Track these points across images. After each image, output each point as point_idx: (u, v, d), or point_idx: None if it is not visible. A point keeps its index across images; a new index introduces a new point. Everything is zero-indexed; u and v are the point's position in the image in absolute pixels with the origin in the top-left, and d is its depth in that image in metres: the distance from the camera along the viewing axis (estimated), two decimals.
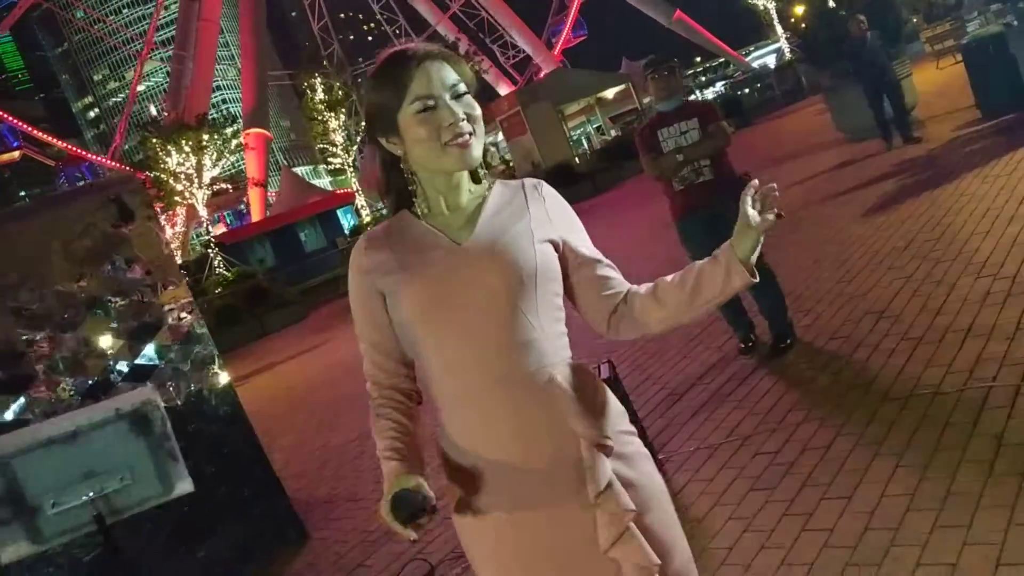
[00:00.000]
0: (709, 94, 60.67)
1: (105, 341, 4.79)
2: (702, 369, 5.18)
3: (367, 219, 37.74)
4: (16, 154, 55.25)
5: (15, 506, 2.34)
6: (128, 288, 4.86)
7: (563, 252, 1.64)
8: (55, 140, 58.35)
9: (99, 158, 55.41)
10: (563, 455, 1.52)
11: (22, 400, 4.52)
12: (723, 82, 64.29)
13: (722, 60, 74.75)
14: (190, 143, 30.16)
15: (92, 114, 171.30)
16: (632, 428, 1.66)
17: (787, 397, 4.25)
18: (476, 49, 42.84)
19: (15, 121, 53.46)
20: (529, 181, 1.71)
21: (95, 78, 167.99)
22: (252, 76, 49.13)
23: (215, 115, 41.90)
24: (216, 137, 31.40)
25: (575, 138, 42.04)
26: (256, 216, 42.00)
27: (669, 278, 1.61)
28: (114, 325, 4.81)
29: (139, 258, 4.85)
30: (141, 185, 5.01)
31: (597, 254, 1.68)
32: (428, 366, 1.59)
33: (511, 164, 34.69)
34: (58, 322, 4.68)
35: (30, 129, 55.02)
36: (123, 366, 4.78)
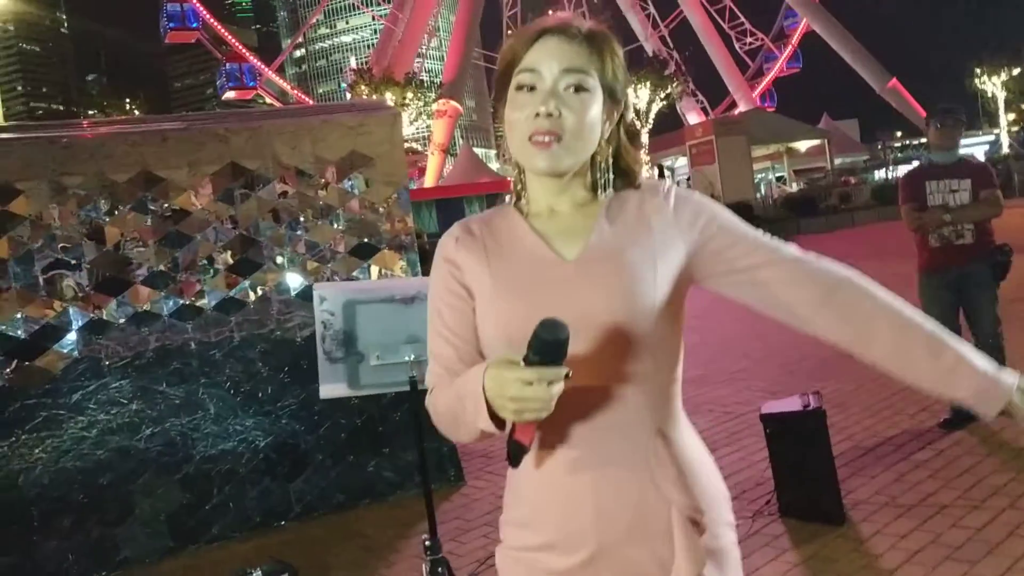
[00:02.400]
0: (903, 170, 58.08)
1: (326, 248, 5.06)
2: (892, 430, 4.98)
3: None
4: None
5: (347, 348, 2.53)
6: (358, 205, 5.11)
7: (702, 266, 1.34)
8: (281, 80, 61.72)
9: (260, 64, 57.96)
10: (646, 526, 1.27)
11: (246, 282, 4.85)
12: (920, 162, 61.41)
13: (925, 140, 71.36)
14: (395, 97, 31.48)
15: (298, 53, 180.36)
16: (732, 520, 1.40)
17: (992, 478, 4.04)
18: (684, 70, 42.45)
19: (259, 65, 56.71)
20: (650, 184, 1.39)
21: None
22: (460, 49, 50.61)
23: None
24: (418, 97, 32.64)
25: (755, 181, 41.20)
26: (430, 182, 43.25)
27: (910, 318, 1.30)
28: (338, 236, 5.08)
29: (378, 182, 5.09)
30: (397, 116, 5.24)
31: (759, 248, 1.34)
32: None
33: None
34: (292, 220, 4.98)
35: (264, 69, 58.23)
36: (337, 276, 5.03)
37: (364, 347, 2.51)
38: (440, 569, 2.73)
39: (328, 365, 2.63)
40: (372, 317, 2.49)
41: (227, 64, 55.29)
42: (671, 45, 61.85)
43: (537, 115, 1.27)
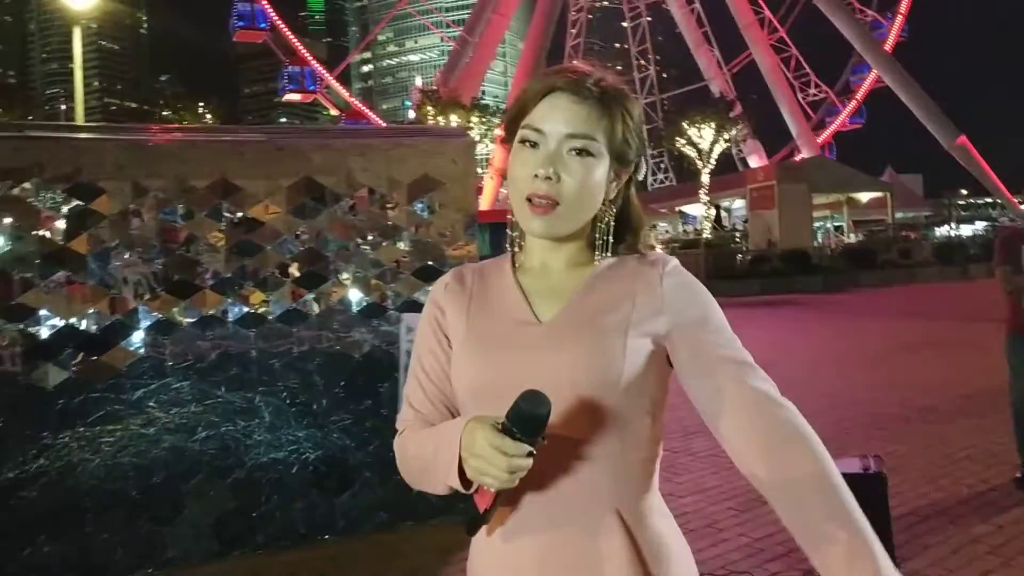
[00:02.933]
0: (966, 230, 56.98)
1: (391, 268, 5.11)
2: (950, 500, 4.85)
3: None
4: (299, 97, 59.78)
5: None
6: (426, 228, 5.16)
7: (675, 352, 1.26)
8: (345, 92, 62.75)
9: (322, 70, 58.82)
10: None
11: (310, 296, 4.92)
12: (985, 223, 60.22)
13: (991, 200, 69.91)
14: (459, 120, 31.93)
15: (365, 68, 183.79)
16: None
17: None
18: (746, 115, 42.26)
19: (321, 71, 57.78)
20: (654, 257, 1.33)
21: (379, 37, 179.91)
22: (525, 76, 51.00)
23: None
24: (483, 122, 33.06)
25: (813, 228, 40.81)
26: (485, 205, 43.60)
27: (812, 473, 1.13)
28: (403, 257, 5.14)
29: (447, 207, 5.14)
30: (471, 145, 5.30)
31: (727, 356, 1.24)
32: None
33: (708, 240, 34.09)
34: (360, 238, 5.05)
35: (329, 78, 59.25)
36: (399, 298, 5.08)
37: None
38: None
39: None
40: None
41: (289, 67, 56.45)
42: (733, 87, 61.69)
43: (536, 176, 1.23)
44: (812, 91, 67.44)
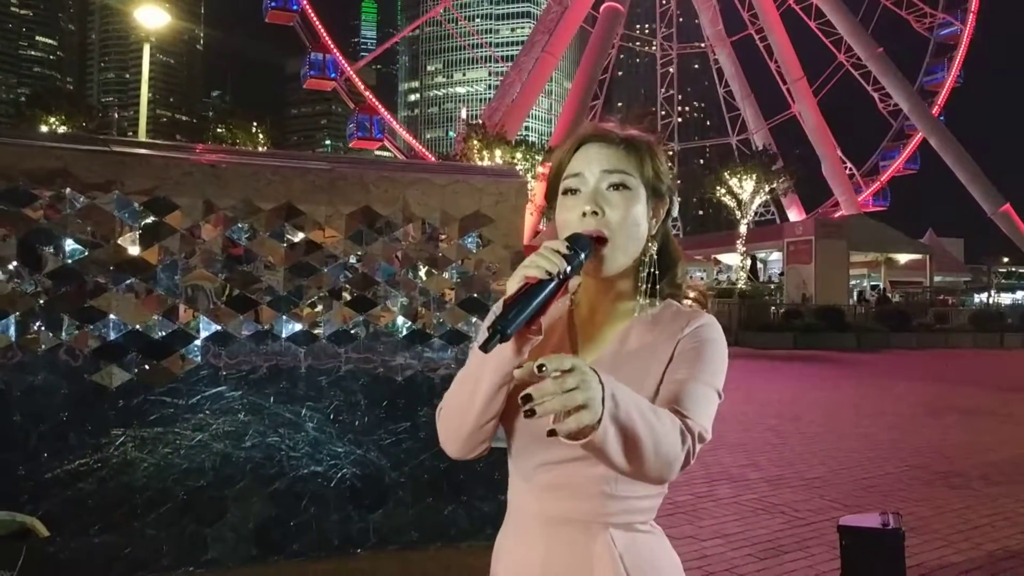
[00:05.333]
0: (1005, 298, 56.24)
1: (437, 298, 5.35)
2: (968, 564, 4.94)
3: None
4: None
5: None
6: (473, 263, 5.40)
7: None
8: (407, 133, 63.86)
9: (424, 150, 60.07)
10: None
11: (360, 318, 5.16)
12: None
13: None
14: (503, 156, 32.51)
15: (412, 97, 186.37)
16: None
17: None
18: (785, 166, 42.33)
19: (389, 118, 58.88)
20: (689, 311, 1.44)
21: (428, 68, 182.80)
22: (571, 116, 51.67)
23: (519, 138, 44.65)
24: (527, 159, 33.62)
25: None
26: (524, 240, 44.05)
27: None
28: (450, 288, 5.37)
29: (495, 243, 5.38)
30: (524, 185, 5.55)
31: (681, 382, 1.34)
32: (510, 470, 1.49)
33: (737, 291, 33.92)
34: (410, 267, 5.30)
35: (393, 122, 60.38)
36: (443, 327, 5.30)
37: None
38: None
39: None
40: None
41: (359, 115, 57.63)
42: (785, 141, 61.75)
43: (584, 215, 1.36)
44: (892, 102, 66.72)
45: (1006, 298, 56.89)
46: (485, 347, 1.20)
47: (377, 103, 58.09)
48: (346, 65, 56.14)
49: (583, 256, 1.29)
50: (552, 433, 1.10)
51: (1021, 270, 71.61)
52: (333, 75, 56.42)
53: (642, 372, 1.36)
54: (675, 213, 1.50)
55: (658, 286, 1.44)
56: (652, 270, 1.43)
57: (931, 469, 7.59)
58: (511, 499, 1.49)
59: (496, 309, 1.36)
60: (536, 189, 47.01)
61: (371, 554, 4.85)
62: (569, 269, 1.26)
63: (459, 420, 1.40)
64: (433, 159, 47.69)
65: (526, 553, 1.41)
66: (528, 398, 1.07)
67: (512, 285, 1.25)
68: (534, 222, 44.74)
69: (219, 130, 51.84)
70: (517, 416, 1.36)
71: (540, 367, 1.07)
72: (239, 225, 4.94)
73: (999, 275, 63.18)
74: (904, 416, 11.38)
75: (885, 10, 65.04)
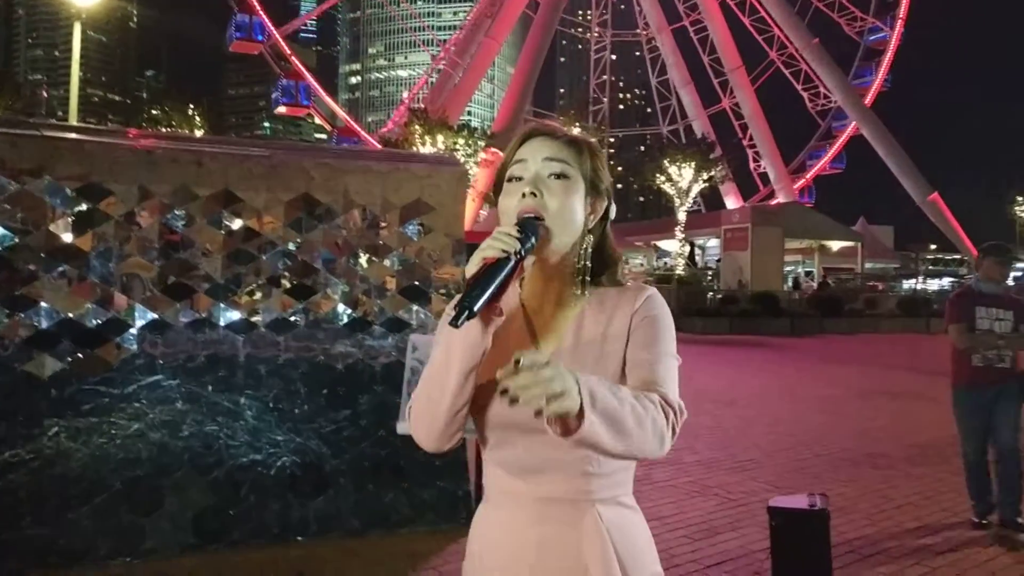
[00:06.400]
0: (932, 284, 58.07)
1: (378, 285, 5.35)
2: (890, 542, 5.14)
3: None
4: (303, 111, 59.88)
5: None
6: (414, 250, 5.41)
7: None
8: (338, 108, 62.80)
9: (366, 135, 59.24)
10: None
11: (299, 306, 5.14)
12: (951, 279, 61.43)
13: (959, 257, 71.34)
14: (445, 141, 32.36)
15: (353, 80, 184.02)
16: None
17: None
18: (723, 155, 43.00)
19: (316, 87, 57.74)
20: (633, 287, 1.54)
21: (369, 51, 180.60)
22: (514, 101, 51.65)
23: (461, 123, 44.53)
24: (468, 144, 33.51)
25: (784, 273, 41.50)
26: (465, 226, 43.97)
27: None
28: (391, 276, 5.39)
29: (436, 231, 5.40)
30: (464, 174, 5.58)
31: (647, 362, 1.46)
32: (484, 457, 1.56)
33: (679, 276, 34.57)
34: (351, 254, 5.29)
35: (323, 93, 59.38)
36: (384, 315, 5.32)
37: None
38: None
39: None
40: None
41: (284, 80, 56.50)
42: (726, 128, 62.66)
43: (523, 196, 1.45)
44: (821, 101, 68.43)
45: (933, 284, 58.68)
46: (455, 322, 1.27)
47: (303, 69, 56.93)
48: (273, 29, 54.87)
49: (533, 239, 1.38)
50: (539, 414, 1.18)
51: (948, 257, 73.98)
52: (260, 38, 55.06)
53: (604, 355, 1.46)
54: (612, 216, 1.57)
55: (597, 276, 1.54)
56: (586, 263, 1.50)
57: (858, 451, 7.86)
58: (491, 484, 1.54)
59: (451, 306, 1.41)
60: (478, 175, 47.10)
61: (311, 542, 4.87)
62: (523, 250, 1.35)
63: (432, 413, 1.45)
64: (376, 143, 47.24)
65: (515, 533, 1.48)
66: (506, 391, 1.16)
67: (472, 267, 1.33)
68: (475, 208, 44.68)
69: (154, 111, 50.53)
70: (490, 408, 1.45)
71: (517, 362, 1.15)
72: (176, 212, 4.89)
73: (927, 262, 65.14)
74: (835, 400, 11.72)
75: (818, 12, 66.39)
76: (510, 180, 1.50)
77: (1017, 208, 56.96)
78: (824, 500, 4.14)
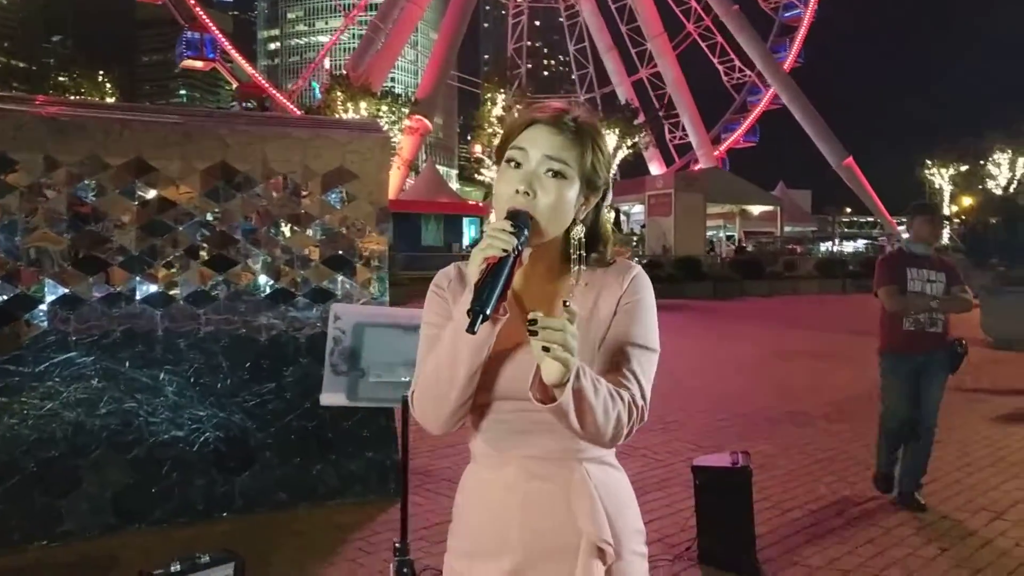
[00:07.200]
0: (848, 247, 59.95)
1: (301, 255, 5.25)
2: (809, 496, 5.32)
3: None
4: (208, 65, 58.16)
5: (352, 364, 2.76)
6: (338, 218, 5.32)
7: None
8: (245, 63, 61.13)
9: (275, 93, 57.81)
10: (563, 547, 1.49)
11: (219, 278, 5.01)
12: (865, 241, 63.50)
13: (872, 219, 73.75)
14: (368, 108, 31.79)
15: (272, 47, 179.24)
16: (644, 551, 1.62)
17: (892, 551, 4.39)
18: (646, 121, 43.41)
19: (222, 40, 56.10)
20: (621, 266, 1.60)
21: (288, 16, 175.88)
22: (437, 67, 51.07)
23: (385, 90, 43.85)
24: (392, 111, 33.01)
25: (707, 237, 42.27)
26: (390, 195, 43.32)
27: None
28: (314, 245, 5.28)
29: (359, 199, 5.31)
30: (387, 140, 5.48)
31: (627, 353, 1.52)
32: (471, 422, 1.59)
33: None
34: (271, 224, 5.17)
35: (230, 48, 57.74)
36: (307, 285, 5.22)
37: (366, 364, 2.77)
38: (405, 570, 2.95)
39: (332, 376, 2.88)
40: (378, 339, 2.75)
41: (188, 32, 54.83)
42: (645, 96, 63.15)
43: (516, 192, 1.47)
44: (736, 75, 69.86)
45: (848, 246, 60.57)
46: (472, 329, 1.32)
47: (208, 20, 55.30)
48: None
49: (526, 232, 1.42)
50: (535, 333, 1.28)
51: (862, 220, 76.36)
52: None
53: (588, 337, 1.50)
54: (608, 202, 1.63)
55: (587, 257, 1.58)
56: (581, 252, 1.55)
57: (779, 409, 8.10)
58: (478, 447, 1.59)
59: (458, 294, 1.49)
60: (402, 142, 46.54)
61: (238, 517, 4.79)
62: (520, 245, 1.39)
63: (440, 402, 1.50)
64: (286, 100, 46.10)
65: (503, 490, 1.53)
66: (534, 322, 1.28)
67: (473, 268, 1.38)
68: (401, 177, 44.22)
69: (61, 78, 48.36)
70: (486, 375, 1.49)
71: (564, 304, 1.33)
72: (85, 182, 4.69)
73: (842, 224, 67.23)
74: (756, 360, 12.04)
75: None
76: (508, 162, 1.51)
77: (927, 171, 58.98)
78: (746, 458, 4.26)
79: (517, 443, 1.52)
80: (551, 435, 1.48)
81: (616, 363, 1.50)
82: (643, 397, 1.51)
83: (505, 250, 1.36)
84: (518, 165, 1.50)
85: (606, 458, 1.58)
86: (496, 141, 1.63)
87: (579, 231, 1.55)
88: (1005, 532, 4.69)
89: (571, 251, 1.55)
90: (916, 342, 5.12)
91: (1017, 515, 4.98)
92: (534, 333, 1.28)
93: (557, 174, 1.48)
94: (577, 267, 1.54)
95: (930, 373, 5.14)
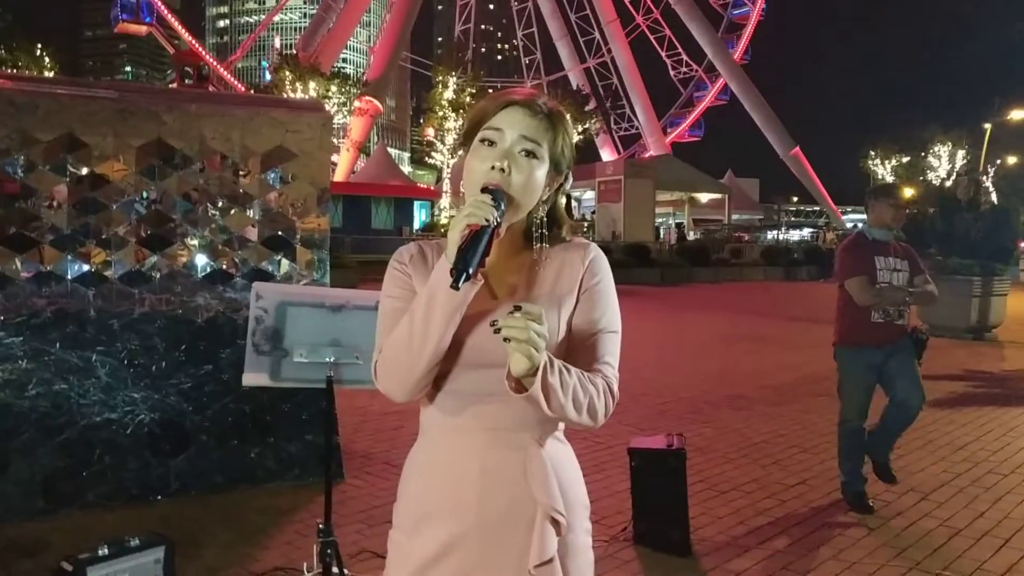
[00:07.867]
0: (794, 235, 60.99)
1: (239, 236, 5.17)
2: (743, 478, 5.43)
3: (444, 221, 38.66)
4: (144, 29, 56.81)
5: (274, 343, 2.71)
6: (278, 199, 5.24)
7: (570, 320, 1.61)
8: (184, 31, 59.89)
9: (215, 63, 56.63)
10: (516, 517, 1.54)
11: (155, 257, 4.91)
12: (811, 229, 64.69)
13: (818, 209, 75.10)
14: (318, 88, 31.37)
15: (221, 24, 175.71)
16: (589, 527, 1.70)
17: (822, 531, 4.50)
18: (596, 107, 43.57)
19: (158, 3, 54.88)
20: (578, 243, 1.68)
21: None
22: (389, 49, 50.56)
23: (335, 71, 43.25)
24: (342, 91, 32.63)
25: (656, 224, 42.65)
26: (339, 177, 42.88)
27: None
28: (252, 226, 5.20)
29: (300, 179, 5.24)
30: (329, 119, 5.42)
31: (595, 337, 1.62)
32: (426, 395, 1.62)
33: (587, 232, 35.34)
34: (209, 203, 5.08)
35: (167, 13, 56.54)
36: (246, 266, 5.15)
37: (290, 344, 2.73)
38: (329, 551, 2.94)
39: (255, 356, 2.85)
40: (301, 318, 2.72)
41: None
42: (594, 83, 63.31)
43: (493, 168, 1.52)
44: (684, 69, 70.71)
45: (794, 235, 61.65)
46: (456, 285, 1.39)
47: None
48: None
49: (503, 207, 1.48)
50: (498, 331, 1.36)
51: (808, 209, 77.72)
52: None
53: (549, 312, 1.54)
54: (569, 187, 1.69)
55: (547, 236, 1.65)
56: (543, 231, 1.62)
57: (719, 393, 8.23)
58: (431, 420, 1.63)
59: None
60: (353, 124, 46.02)
61: (173, 500, 4.72)
62: (499, 217, 1.46)
63: (409, 366, 1.52)
64: (235, 80, 45.19)
65: (459, 463, 1.57)
66: (496, 325, 1.37)
67: (455, 234, 1.43)
68: (351, 159, 43.75)
69: None
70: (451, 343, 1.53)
71: (517, 307, 1.36)
72: (13, 157, 4.56)
73: (788, 213, 68.35)
74: (699, 345, 12.22)
75: None
76: (483, 141, 1.57)
77: (870, 162, 60.25)
78: (681, 440, 4.32)
79: (476, 413, 1.56)
80: (507, 405, 1.51)
81: (586, 348, 1.59)
82: (615, 378, 1.60)
83: (487, 219, 1.43)
84: (492, 144, 1.56)
85: (556, 433, 1.64)
86: (448, 124, 1.67)
87: (543, 210, 1.62)
88: (931, 512, 4.84)
89: (533, 229, 1.62)
90: (884, 334, 4.86)
91: (943, 496, 5.15)
92: (497, 331, 1.35)
93: (530, 154, 1.55)
94: (540, 244, 1.61)
95: (899, 358, 4.88)
